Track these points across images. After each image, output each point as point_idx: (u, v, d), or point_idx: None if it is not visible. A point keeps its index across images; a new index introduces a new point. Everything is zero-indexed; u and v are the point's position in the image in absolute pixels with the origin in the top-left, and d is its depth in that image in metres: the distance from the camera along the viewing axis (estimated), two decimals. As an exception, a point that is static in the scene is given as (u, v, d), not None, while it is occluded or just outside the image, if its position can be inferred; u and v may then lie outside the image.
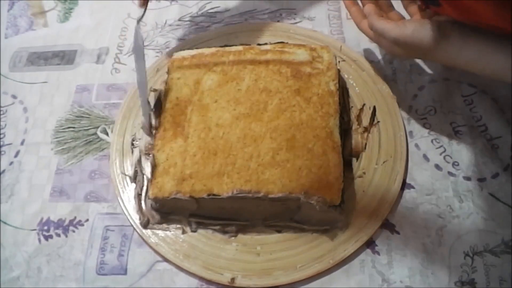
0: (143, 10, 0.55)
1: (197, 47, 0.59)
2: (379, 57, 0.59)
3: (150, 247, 0.48)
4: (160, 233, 0.48)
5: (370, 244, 0.47)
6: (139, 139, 0.54)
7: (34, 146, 0.56)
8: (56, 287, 0.47)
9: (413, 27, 0.45)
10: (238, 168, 0.46)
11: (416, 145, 0.53)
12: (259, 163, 0.46)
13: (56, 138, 0.57)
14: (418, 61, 0.58)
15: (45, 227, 0.51)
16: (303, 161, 0.46)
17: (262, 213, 0.48)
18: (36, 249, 0.49)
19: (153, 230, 0.49)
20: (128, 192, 0.51)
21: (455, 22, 0.43)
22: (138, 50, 0.53)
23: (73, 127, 0.58)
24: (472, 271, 0.45)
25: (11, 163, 0.55)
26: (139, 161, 0.53)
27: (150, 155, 0.50)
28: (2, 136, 0.58)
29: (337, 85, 0.52)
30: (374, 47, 0.60)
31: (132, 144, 0.54)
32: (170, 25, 0.65)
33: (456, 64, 0.45)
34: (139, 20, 0.55)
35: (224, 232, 0.48)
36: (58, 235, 0.50)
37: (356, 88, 0.56)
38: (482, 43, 0.42)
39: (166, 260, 0.48)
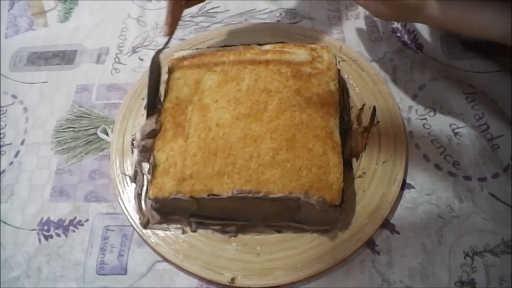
0: (167, 39, 0.54)
1: (197, 47, 0.59)
2: (379, 56, 0.59)
3: (150, 247, 0.48)
4: (160, 233, 0.48)
5: (370, 244, 0.47)
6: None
7: (34, 146, 0.56)
8: (56, 287, 0.47)
9: None
10: (238, 168, 0.46)
11: (416, 145, 0.53)
12: (259, 163, 0.46)
13: (56, 138, 0.57)
14: (418, 59, 0.58)
15: (45, 227, 0.51)
16: (303, 161, 0.46)
17: (262, 213, 0.48)
18: (36, 249, 0.49)
19: (153, 230, 0.49)
20: (128, 192, 0.51)
21: None
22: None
23: (73, 127, 0.58)
24: (472, 271, 0.45)
25: (11, 163, 0.55)
26: (139, 161, 0.53)
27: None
28: (2, 136, 0.58)
29: (337, 85, 0.52)
30: (374, 47, 0.60)
31: (132, 144, 0.54)
32: (170, 25, 0.65)
33: (442, 22, 0.45)
34: (161, 50, 0.54)
35: (224, 232, 0.48)
36: (58, 235, 0.50)
37: (356, 88, 0.56)
38: (468, 1, 0.43)
39: (166, 260, 0.48)
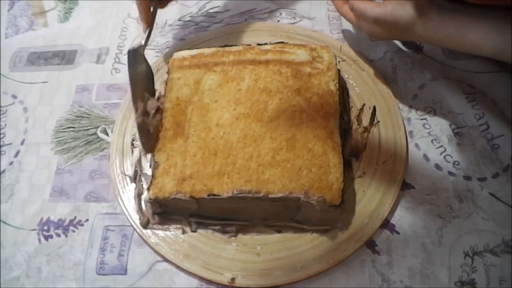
0: (146, 34, 0.55)
1: (197, 47, 0.59)
2: (379, 56, 0.59)
3: (150, 247, 0.48)
4: (160, 233, 0.48)
5: (370, 244, 0.47)
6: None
7: (34, 146, 0.56)
8: (56, 287, 0.47)
9: (393, 5, 0.47)
10: (238, 168, 0.46)
11: (416, 145, 0.53)
12: (259, 163, 0.46)
13: (56, 138, 0.57)
14: (419, 59, 0.58)
15: (45, 227, 0.51)
16: (303, 161, 0.46)
17: (262, 213, 0.48)
18: (36, 249, 0.49)
19: (153, 230, 0.49)
20: (128, 192, 0.51)
21: (432, 1, 0.45)
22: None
23: (73, 127, 0.58)
24: (472, 271, 0.45)
25: (11, 163, 0.55)
26: (139, 161, 0.53)
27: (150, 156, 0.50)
28: (2, 136, 0.58)
29: (337, 85, 0.52)
30: (374, 47, 0.60)
31: (132, 144, 0.54)
32: (170, 25, 0.65)
33: (434, 40, 0.47)
34: (144, 45, 0.55)
35: (224, 232, 0.48)
36: (58, 235, 0.50)
37: (356, 88, 0.56)
38: (459, 19, 0.45)
39: (166, 260, 0.48)
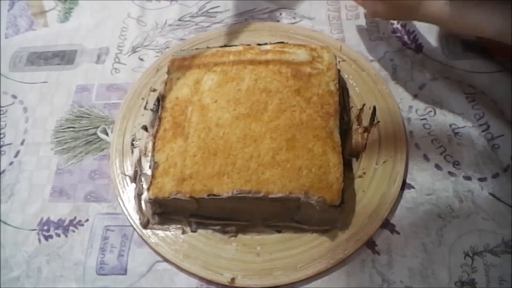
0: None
1: (197, 47, 0.59)
2: (379, 56, 0.59)
3: (150, 247, 0.48)
4: (160, 233, 0.48)
5: (370, 244, 0.47)
6: (139, 139, 0.54)
7: (34, 146, 0.56)
8: (56, 287, 0.47)
9: None
10: (238, 168, 0.46)
11: (416, 145, 0.53)
12: (259, 163, 0.46)
13: (56, 138, 0.57)
14: (419, 59, 0.58)
15: (45, 227, 0.51)
16: (303, 161, 0.46)
17: (262, 213, 0.48)
18: (36, 249, 0.49)
19: (153, 230, 0.49)
20: (128, 192, 0.51)
21: None
22: None
23: (73, 127, 0.58)
24: (472, 271, 0.45)
25: (11, 163, 0.55)
26: (139, 161, 0.53)
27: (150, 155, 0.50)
28: (2, 136, 0.58)
29: (337, 85, 0.52)
30: (374, 47, 0.60)
31: (132, 144, 0.54)
32: (170, 25, 0.65)
33: (438, 20, 0.47)
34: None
35: (224, 232, 0.48)
36: (58, 235, 0.50)
37: (356, 88, 0.56)
38: (463, 0, 0.44)
39: (166, 260, 0.48)
